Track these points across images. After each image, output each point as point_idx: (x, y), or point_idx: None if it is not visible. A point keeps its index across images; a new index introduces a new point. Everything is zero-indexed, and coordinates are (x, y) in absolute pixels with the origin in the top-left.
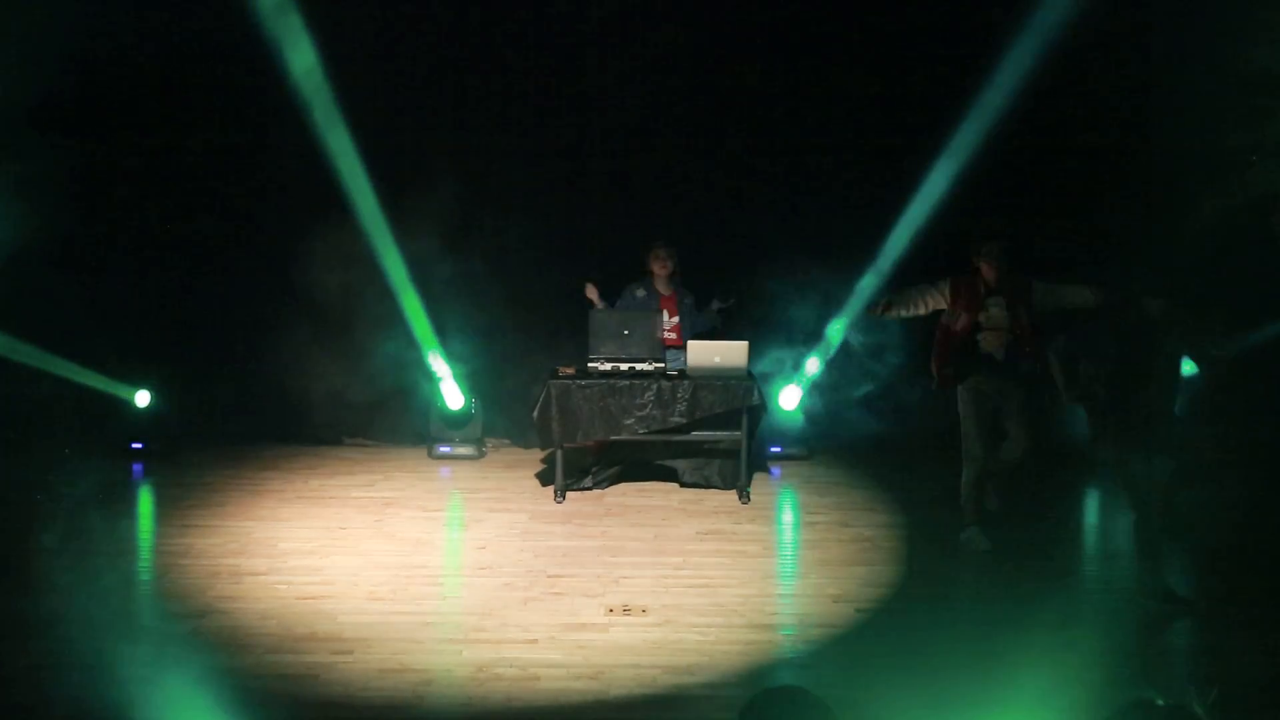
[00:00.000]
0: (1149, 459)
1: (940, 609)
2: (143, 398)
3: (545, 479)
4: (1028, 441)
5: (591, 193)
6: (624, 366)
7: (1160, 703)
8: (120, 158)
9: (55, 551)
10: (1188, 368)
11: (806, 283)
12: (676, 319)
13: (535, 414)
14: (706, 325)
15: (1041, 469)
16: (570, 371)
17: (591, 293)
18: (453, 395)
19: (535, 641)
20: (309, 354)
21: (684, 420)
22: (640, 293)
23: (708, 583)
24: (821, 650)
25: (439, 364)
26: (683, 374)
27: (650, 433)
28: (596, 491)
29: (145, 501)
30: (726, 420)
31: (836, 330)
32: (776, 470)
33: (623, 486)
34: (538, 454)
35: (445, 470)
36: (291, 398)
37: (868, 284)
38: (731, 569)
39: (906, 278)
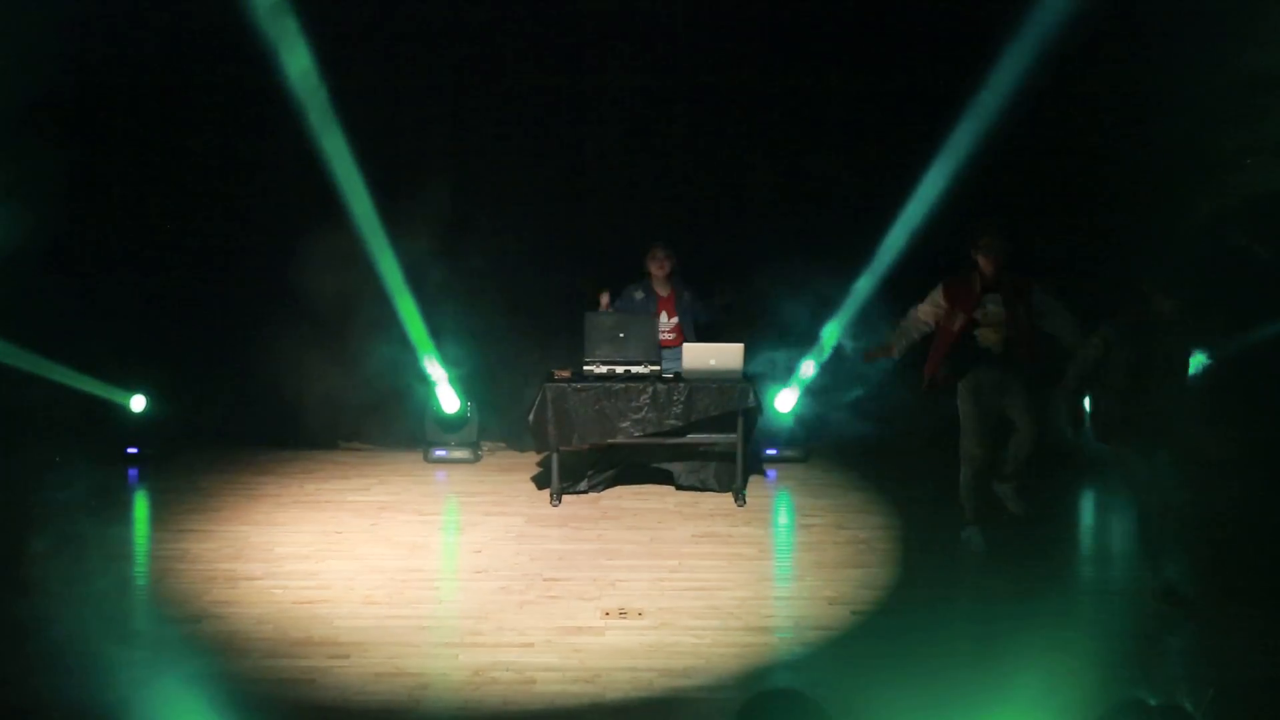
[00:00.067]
0: (1150, 458)
1: (936, 611)
2: (138, 403)
3: (541, 482)
4: (1034, 429)
5: (588, 195)
6: (620, 369)
7: (1153, 703)
8: (115, 160)
9: (51, 556)
10: (1194, 365)
11: (803, 284)
12: (676, 319)
13: (531, 417)
14: (708, 317)
15: (1041, 469)
16: (566, 374)
17: (604, 301)
18: (448, 398)
19: (531, 645)
20: (304, 358)
21: (680, 423)
22: (639, 294)
23: (704, 585)
24: (817, 652)
25: (434, 367)
26: (678, 376)
27: (646, 436)
28: (592, 494)
29: (141, 506)
30: (722, 423)
31: (831, 333)
32: (772, 473)
33: (618, 489)
34: (533, 457)
35: (441, 474)
36: (287, 402)
37: (864, 286)
38: (727, 571)
39: (905, 278)
